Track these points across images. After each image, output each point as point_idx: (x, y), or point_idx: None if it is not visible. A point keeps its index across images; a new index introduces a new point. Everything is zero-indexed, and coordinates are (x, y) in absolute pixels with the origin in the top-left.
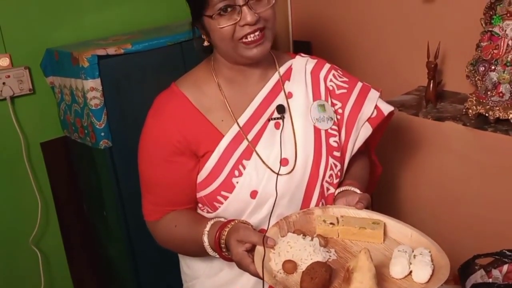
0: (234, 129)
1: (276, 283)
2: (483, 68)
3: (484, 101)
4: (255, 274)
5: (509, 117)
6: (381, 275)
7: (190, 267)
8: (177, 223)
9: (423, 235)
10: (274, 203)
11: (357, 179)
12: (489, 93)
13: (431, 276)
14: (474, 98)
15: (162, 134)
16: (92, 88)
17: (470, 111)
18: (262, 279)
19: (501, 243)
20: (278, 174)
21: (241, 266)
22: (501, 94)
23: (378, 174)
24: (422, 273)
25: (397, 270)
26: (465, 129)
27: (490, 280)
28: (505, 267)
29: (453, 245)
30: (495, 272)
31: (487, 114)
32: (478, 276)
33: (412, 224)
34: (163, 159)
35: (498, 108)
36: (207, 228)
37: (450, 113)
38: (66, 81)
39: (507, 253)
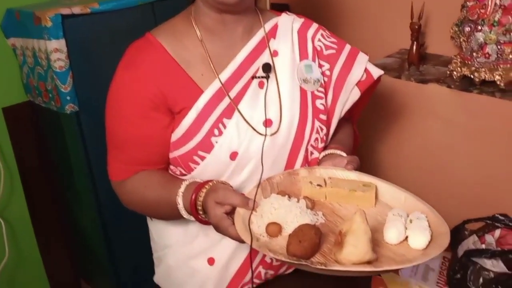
0: (215, 85)
1: (259, 246)
2: (469, 28)
3: (469, 62)
4: (235, 238)
5: (495, 79)
6: (374, 241)
7: (160, 234)
8: (148, 183)
9: (418, 199)
10: (262, 168)
11: (343, 145)
12: (474, 54)
13: (429, 242)
14: (459, 59)
15: (136, 87)
16: (56, 50)
17: (455, 73)
18: (250, 243)
19: (488, 208)
20: (262, 134)
21: (219, 229)
22: (487, 55)
23: (357, 145)
24: (419, 238)
25: (392, 235)
26: (450, 91)
27: (483, 246)
28: (497, 232)
29: (440, 211)
30: (488, 238)
31: (472, 76)
32: (471, 242)
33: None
34: (136, 115)
35: (483, 69)
36: (182, 189)
37: (433, 75)
38: (29, 42)
39: (500, 217)
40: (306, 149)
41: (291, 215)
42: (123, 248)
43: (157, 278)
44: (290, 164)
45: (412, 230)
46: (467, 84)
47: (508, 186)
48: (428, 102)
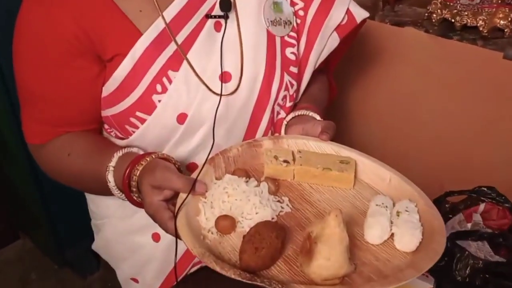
0: (158, 26)
1: (202, 253)
2: None
3: (451, 4)
4: (175, 236)
5: (478, 24)
6: (351, 238)
7: (97, 205)
8: (72, 150)
9: (406, 181)
10: (213, 140)
11: (315, 102)
12: None
13: (420, 243)
14: (440, 0)
15: (49, 25)
16: None
17: (434, 15)
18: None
19: (466, 172)
20: (220, 95)
21: (157, 222)
22: None
23: (332, 97)
24: (408, 239)
25: (374, 233)
26: (427, 36)
27: (469, 226)
28: (481, 206)
29: (412, 171)
30: (475, 216)
31: (453, 20)
32: (456, 222)
33: (361, 148)
34: (52, 62)
35: (466, 13)
36: (113, 163)
37: (410, 17)
38: None
39: (486, 190)
40: (272, 110)
41: (248, 205)
42: (60, 204)
43: (95, 247)
44: (252, 128)
45: (400, 227)
46: (446, 29)
47: (481, 143)
48: (403, 47)
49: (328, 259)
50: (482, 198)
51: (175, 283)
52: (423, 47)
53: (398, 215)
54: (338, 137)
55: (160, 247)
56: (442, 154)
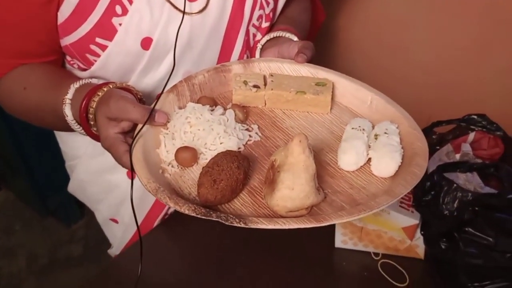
0: None
1: (156, 188)
2: None
3: None
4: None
5: None
6: (324, 165)
7: (67, 144)
8: (28, 83)
9: (388, 101)
10: (174, 62)
11: (294, 24)
12: None
13: (400, 167)
14: None
15: None
16: None
17: None
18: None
19: (451, 95)
20: (184, 12)
21: (113, 156)
22: None
23: (320, 22)
24: (386, 163)
25: (349, 159)
26: None
27: (458, 157)
28: (470, 136)
29: (399, 103)
30: (465, 147)
31: None
32: (444, 153)
33: (344, 72)
34: None
35: None
36: (69, 95)
37: None
38: None
39: (476, 118)
40: (247, 31)
41: (212, 134)
42: (37, 152)
43: (71, 189)
44: (225, 53)
45: (377, 151)
46: None
47: (473, 70)
48: None
49: (291, 189)
50: (471, 126)
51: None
52: None
53: (376, 138)
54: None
55: (136, 183)
56: (433, 82)
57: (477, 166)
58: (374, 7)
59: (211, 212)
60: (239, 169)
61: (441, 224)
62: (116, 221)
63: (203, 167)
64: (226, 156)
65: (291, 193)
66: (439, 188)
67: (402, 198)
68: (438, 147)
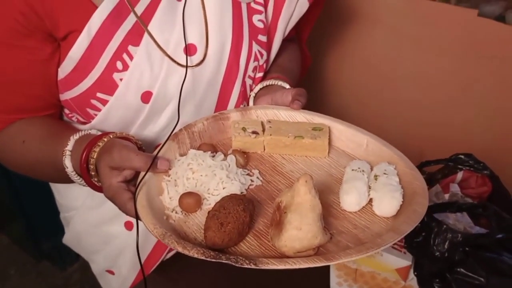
0: None
1: (163, 234)
2: None
3: None
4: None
5: None
6: (327, 207)
7: (63, 196)
8: (26, 137)
9: (384, 144)
10: (178, 115)
11: (285, 72)
12: None
13: (401, 206)
14: None
15: None
16: None
17: None
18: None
19: (445, 139)
20: (187, 67)
21: (116, 205)
22: None
23: (307, 66)
24: (387, 202)
25: (351, 200)
26: None
27: (447, 196)
28: (459, 175)
29: (391, 140)
30: (453, 187)
31: None
32: (433, 194)
33: (336, 114)
34: None
35: None
36: (69, 147)
37: None
38: None
39: (463, 157)
40: (243, 83)
41: (215, 180)
42: (32, 197)
43: (66, 241)
44: (222, 103)
45: (378, 192)
46: None
47: (458, 105)
48: (374, 10)
49: (299, 229)
50: (459, 166)
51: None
52: (395, 8)
53: (376, 179)
54: (313, 109)
55: (133, 236)
56: (421, 120)
57: (465, 206)
58: (362, 48)
59: (221, 255)
60: (245, 211)
61: (433, 265)
62: (112, 273)
63: (209, 211)
64: (232, 199)
65: (299, 233)
66: (430, 230)
67: None
68: (427, 187)
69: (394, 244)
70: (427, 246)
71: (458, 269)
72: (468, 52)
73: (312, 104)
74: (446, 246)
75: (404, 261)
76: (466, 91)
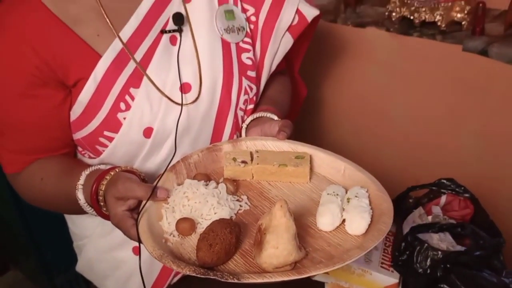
0: (116, 46)
1: (160, 255)
2: None
3: (408, 1)
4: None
5: (436, 19)
6: (305, 228)
7: (76, 225)
8: (44, 175)
9: (359, 169)
10: (175, 148)
11: (274, 104)
12: None
13: (370, 225)
14: None
15: (10, 59)
16: None
17: (394, 14)
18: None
19: (432, 161)
20: (182, 104)
21: (121, 231)
22: None
23: (302, 97)
24: (357, 222)
25: (325, 221)
26: (389, 35)
27: (430, 218)
28: (442, 198)
29: (382, 171)
30: (435, 209)
31: (411, 17)
32: (416, 216)
33: (333, 147)
34: (17, 93)
35: (424, 9)
36: (81, 181)
37: (371, 17)
38: None
39: (446, 182)
40: (235, 115)
41: (207, 206)
42: (45, 233)
43: (79, 268)
44: (217, 135)
45: (350, 213)
46: (406, 26)
47: (448, 134)
48: (367, 47)
49: (276, 248)
50: (442, 190)
51: None
52: (385, 45)
53: (348, 202)
54: (313, 139)
55: (143, 258)
56: (412, 146)
57: (446, 226)
58: (357, 82)
59: (209, 271)
60: (231, 234)
61: (417, 282)
62: None
63: (200, 235)
64: (220, 223)
65: (276, 251)
66: (413, 248)
67: (382, 258)
68: (414, 210)
69: (382, 263)
70: (411, 264)
71: (441, 285)
72: (455, 84)
73: (313, 134)
74: (428, 263)
75: (392, 279)
76: (454, 121)
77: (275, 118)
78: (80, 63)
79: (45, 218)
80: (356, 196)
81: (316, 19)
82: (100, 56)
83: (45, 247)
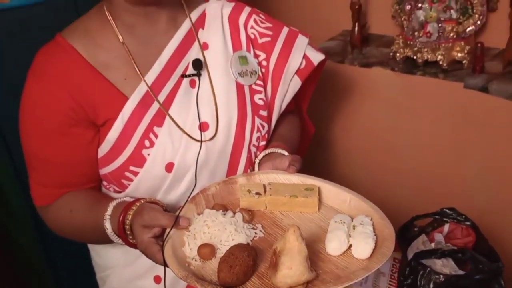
0: (141, 89)
1: (186, 276)
2: (409, 6)
3: (411, 42)
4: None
5: (438, 59)
6: (316, 253)
7: (101, 256)
8: (73, 207)
9: (363, 200)
10: (195, 181)
11: (285, 141)
12: (416, 33)
13: (374, 250)
14: (401, 40)
15: (48, 100)
16: None
17: (398, 54)
18: (164, 271)
19: (438, 194)
20: (198, 140)
21: (148, 256)
22: (428, 34)
23: (311, 134)
24: (362, 247)
25: (333, 246)
26: (393, 74)
27: (433, 245)
28: (445, 227)
29: (390, 203)
30: (437, 236)
31: (415, 57)
32: (420, 243)
33: (345, 179)
34: (52, 132)
35: (426, 49)
36: (109, 212)
37: (377, 57)
38: None
39: (448, 211)
40: (249, 150)
41: (225, 233)
42: (66, 267)
43: None
44: (232, 169)
45: (355, 238)
46: (410, 65)
47: (453, 167)
48: (373, 86)
49: (290, 268)
50: (445, 219)
51: None
52: (390, 84)
53: (354, 228)
54: (323, 170)
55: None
56: (419, 179)
57: (447, 252)
58: (364, 118)
59: None
60: (249, 256)
61: None
62: None
63: (220, 258)
64: (239, 247)
65: (290, 272)
66: (416, 273)
67: (389, 283)
68: (418, 238)
69: (388, 287)
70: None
71: None
72: (457, 119)
73: (323, 168)
74: (430, 287)
75: None
76: (457, 154)
77: (286, 153)
78: (109, 104)
79: (66, 251)
80: (361, 224)
81: (322, 63)
82: (127, 98)
83: (65, 280)
